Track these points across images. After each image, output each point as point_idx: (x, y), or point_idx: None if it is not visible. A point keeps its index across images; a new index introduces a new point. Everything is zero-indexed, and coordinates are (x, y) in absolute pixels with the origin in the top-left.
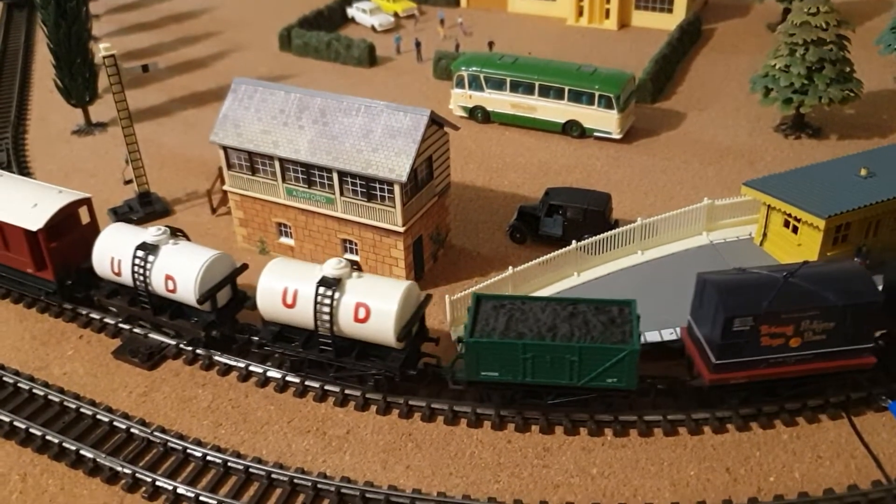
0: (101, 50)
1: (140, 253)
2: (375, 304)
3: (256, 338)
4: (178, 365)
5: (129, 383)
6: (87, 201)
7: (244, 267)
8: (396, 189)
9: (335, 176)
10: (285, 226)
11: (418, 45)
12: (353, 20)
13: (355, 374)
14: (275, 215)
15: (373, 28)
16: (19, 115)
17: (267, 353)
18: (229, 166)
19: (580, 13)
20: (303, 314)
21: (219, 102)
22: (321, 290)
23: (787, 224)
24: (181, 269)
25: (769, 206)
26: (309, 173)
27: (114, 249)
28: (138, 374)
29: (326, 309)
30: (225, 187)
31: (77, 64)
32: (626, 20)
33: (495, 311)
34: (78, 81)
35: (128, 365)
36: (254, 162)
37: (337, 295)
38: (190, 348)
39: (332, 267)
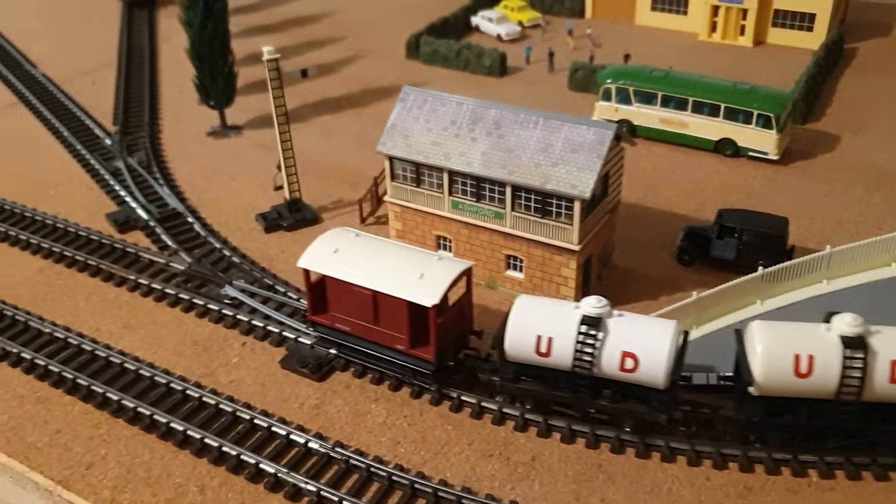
0: (264, 53)
1: (585, 328)
2: None
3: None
4: (346, 377)
5: (299, 394)
6: (468, 271)
7: (686, 334)
8: (576, 206)
9: (508, 190)
10: (445, 239)
11: (551, 55)
12: (477, 29)
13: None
14: (436, 228)
15: (498, 37)
16: (152, 115)
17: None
18: (393, 177)
19: (713, 28)
20: (824, 380)
21: (352, 109)
22: (848, 352)
23: None
24: (646, 346)
25: None
26: (479, 187)
27: (540, 326)
28: (307, 385)
29: (856, 374)
30: (386, 198)
31: (219, 65)
32: (762, 37)
33: None
34: (218, 83)
35: (295, 375)
36: (420, 173)
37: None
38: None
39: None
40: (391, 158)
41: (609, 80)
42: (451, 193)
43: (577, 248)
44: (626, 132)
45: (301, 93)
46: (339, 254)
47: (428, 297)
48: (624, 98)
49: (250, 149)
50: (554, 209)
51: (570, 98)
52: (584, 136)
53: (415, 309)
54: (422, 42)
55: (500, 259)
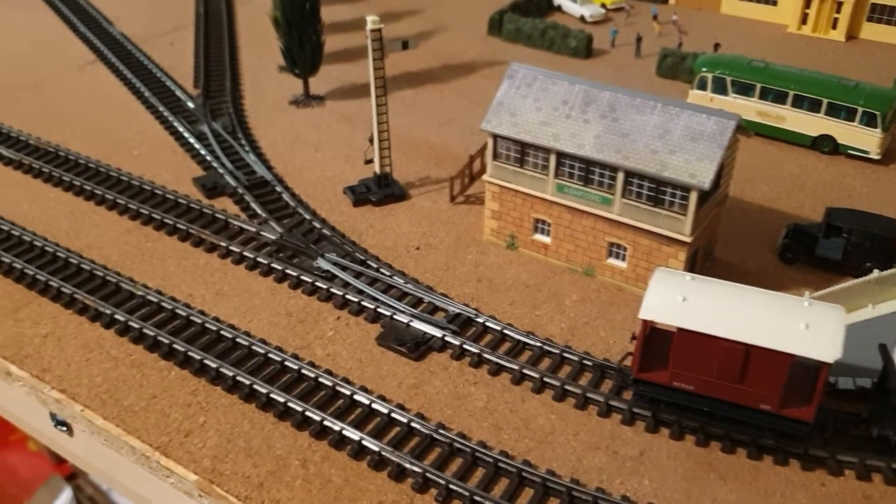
0: (368, 22)
1: None
2: None
3: None
4: (444, 359)
5: (397, 373)
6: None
7: None
8: (693, 196)
9: (620, 175)
10: (544, 223)
11: (639, 39)
12: (559, 9)
13: None
14: (536, 211)
15: (581, 18)
16: (233, 80)
17: None
18: (495, 156)
19: (804, 21)
20: None
21: (434, 85)
22: None
23: None
24: None
25: None
26: (588, 170)
27: None
28: (405, 364)
29: None
30: (485, 177)
31: (307, 33)
32: (855, 32)
33: None
34: (306, 51)
35: (391, 353)
36: (525, 154)
37: None
38: None
39: None
40: (495, 137)
41: (705, 69)
42: (556, 176)
43: (688, 239)
44: None
45: None
46: (689, 302)
47: (827, 351)
48: (720, 88)
49: (333, 120)
50: (668, 198)
51: (657, 84)
52: (704, 125)
53: (797, 364)
54: (505, 19)
55: (602, 246)
